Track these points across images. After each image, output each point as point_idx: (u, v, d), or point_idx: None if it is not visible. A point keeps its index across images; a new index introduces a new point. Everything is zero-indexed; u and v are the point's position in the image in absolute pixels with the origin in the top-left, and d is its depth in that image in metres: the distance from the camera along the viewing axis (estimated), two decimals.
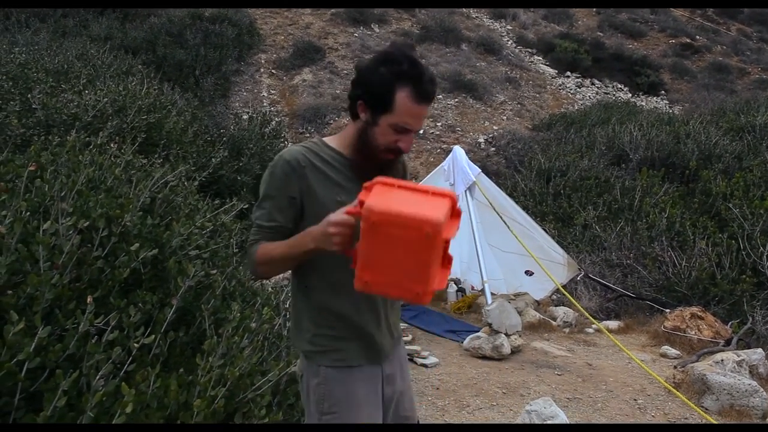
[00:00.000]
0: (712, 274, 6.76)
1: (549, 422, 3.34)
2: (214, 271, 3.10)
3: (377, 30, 21.58)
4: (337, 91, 17.52)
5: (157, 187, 3.64)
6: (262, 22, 20.30)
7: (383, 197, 1.44)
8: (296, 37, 20.00)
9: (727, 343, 5.46)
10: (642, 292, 7.07)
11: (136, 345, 2.17)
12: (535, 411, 3.41)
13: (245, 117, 10.45)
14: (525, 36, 24.51)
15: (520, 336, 5.52)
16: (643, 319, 6.51)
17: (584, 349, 5.71)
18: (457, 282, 7.62)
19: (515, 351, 5.39)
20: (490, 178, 7.39)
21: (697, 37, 27.29)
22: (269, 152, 9.17)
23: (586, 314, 5.54)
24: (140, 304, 2.44)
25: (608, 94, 21.70)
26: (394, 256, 1.43)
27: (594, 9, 27.24)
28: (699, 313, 5.85)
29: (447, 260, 1.52)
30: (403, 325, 5.80)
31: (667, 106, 21.26)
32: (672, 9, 28.80)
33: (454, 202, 1.49)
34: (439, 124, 16.60)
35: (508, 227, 6.21)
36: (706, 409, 4.16)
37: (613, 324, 6.39)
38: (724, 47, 27.01)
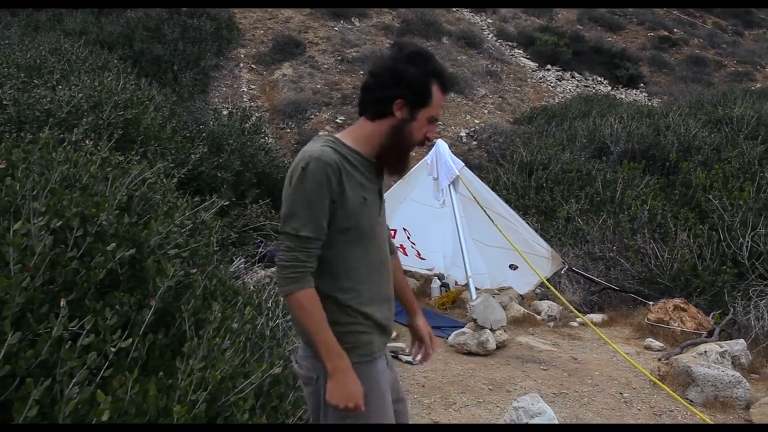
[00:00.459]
0: (694, 266, 6.81)
1: (537, 418, 3.31)
2: (194, 271, 3.01)
3: (357, 24, 21.46)
4: (318, 86, 17.39)
5: (135, 184, 3.54)
6: (241, 17, 20.08)
7: None
8: (276, 31, 19.82)
9: (710, 334, 5.49)
10: (625, 284, 7.11)
11: (112, 349, 2.09)
12: (522, 407, 3.38)
13: (225, 113, 10.30)
14: (505, 29, 24.56)
15: (505, 331, 5.50)
16: (626, 311, 6.53)
17: (569, 343, 5.71)
18: (440, 277, 7.59)
19: (500, 346, 5.36)
20: (473, 172, 7.35)
21: (675, 30, 27.57)
22: (249, 148, 9.05)
23: (571, 308, 5.53)
24: (117, 306, 2.35)
25: (588, 87, 21.84)
26: None
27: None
28: (682, 305, 5.88)
29: None
30: None
31: (646, 99, 21.46)
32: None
33: None
34: None
35: (492, 221, 6.17)
36: (691, 401, 4.18)
37: (597, 317, 6.41)
38: (701, 40, 27.32)
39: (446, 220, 6.74)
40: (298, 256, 1.70)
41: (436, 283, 7.38)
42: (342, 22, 21.21)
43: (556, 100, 19.64)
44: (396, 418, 1.93)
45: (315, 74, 18.05)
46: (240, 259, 5.49)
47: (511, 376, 4.67)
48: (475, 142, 16.12)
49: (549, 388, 4.43)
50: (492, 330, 5.33)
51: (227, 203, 6.13)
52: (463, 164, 6.52)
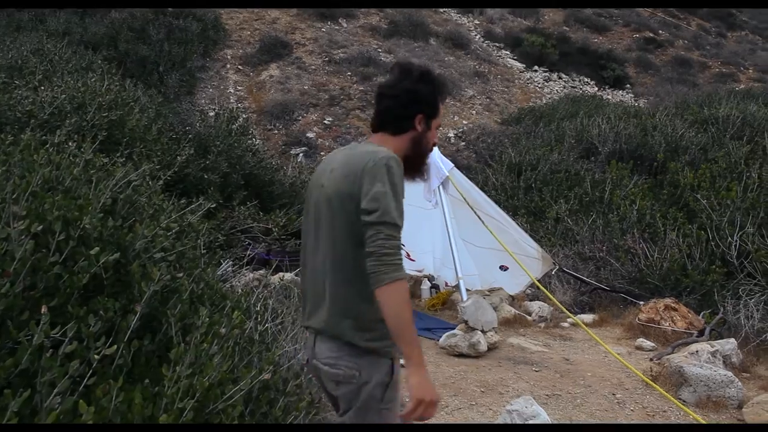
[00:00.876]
0: (683, 265, 6.82)
1: (531, 421, 3.27)
2: (181, 274, 2.94)
3: (345, 25, 21.40)
4: (305, 87, 17.31)
5: (120, 187, 3.46)
6: (227, 17, 19.94)
7: None
8: (263, 32, 19.71)
9: (701, 333, 5.49)
10: (615, 284, 7.10)
11: (96, 356, 2.01)
12: (516, 410, 3.34)
13: (212, 114, 10.19)
14: (492, 31, 24.62)
15: (496, 332, 5.46)
16: (617, 311, 6.53)
17: (560, 344, 5.69)
18: (430, 278, 7.55)
19: (492, 348, 5.33)
20: (462, 172, 7.32)
21: (660, 31, 27.80)
22: (236, 149, 8.93)
23: (563, 308, 5.51)
24: (101, 312, 2.28)
25: (575, 87, 21.94)
26: None
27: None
28: (672, 305, 5.88)
29: None
30: None
31: (633, 100, 21.59)
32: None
33: None
34: None
35: (483, 222, 6.14)
36: (684, 401, 4.16)
37: (588, 317, 6.40)
38: (686, 42, 27.57)
39: (436, 222, 6.70)
40: (397, 245, 1.77)
41: (426, 285, 7.33)
42: (329, 23, 21.14)
43: (544, 101, 19.71)
44: None
45: (302, 75, 17.97)
46: (228, 262, 5.41)
47: (503, 377, 4.63)
48: (463, 143, 16.12)
49: (541, 389, 4.40)
50: (483, 331, 5.29)
51: (214, 205, 6.05)
52: (453, 165, 6.48)
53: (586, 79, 22.96)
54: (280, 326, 3.60)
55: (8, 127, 4.83)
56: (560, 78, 22.51)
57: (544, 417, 3.34)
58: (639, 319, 5.91)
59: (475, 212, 6.23)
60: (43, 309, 1.94)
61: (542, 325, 6.37)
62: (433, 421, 3.84)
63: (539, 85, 21.49)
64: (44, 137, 4.26)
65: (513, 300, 6.98)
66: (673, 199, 8.83)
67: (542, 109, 17.52)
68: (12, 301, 2.01)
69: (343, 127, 16.05)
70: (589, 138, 11.86)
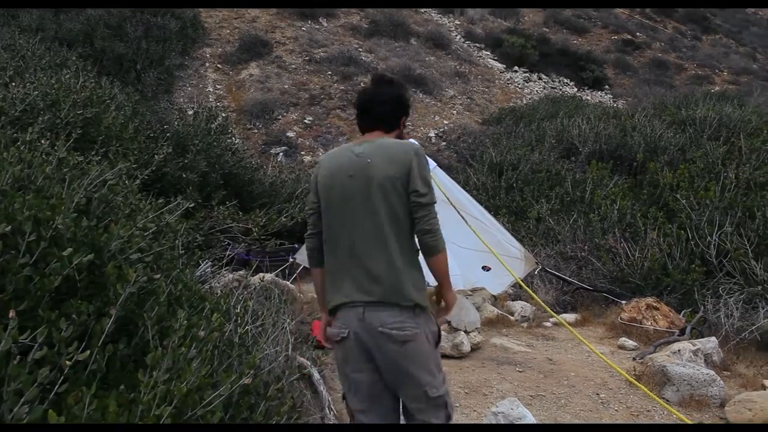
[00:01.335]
0: (664, 265, 6.86)
1: (516, 423, 3.23)
2: (158, 276, 2.84)
3: (325, 24, 21.30)
4: (286, 86, 17.18)
5: (95, 186, 3.35)
6: (206, 15, 19.72)
7: None
8: (242, 30, 19.52)
9: (682, 332, 5.52)
10: (597, 284, 7.12)
11: (68, 362, 1.92)
12: (501, 413, 3.30)
13: (190, 113, 10.03)
14: (473, 31, 24.69)
15: (479, 333, 5.43)
16: (599, 311, 6.54)
17: (543, 344, 5.67)
18: None
19: (475, 348, 5.29)
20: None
21: (638, 33, 28.12)
22: (216, 148, 8.80)
23: (546, 308, 5.49)
24: (74, 316, 2.18)
25: (555, 88, 22.09)
26: None
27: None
28: (654, 304, 5.90)
29: None
30: None
31: (611, 100, 21.80)
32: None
33: None
34: None
35: (467, 222, 6.10)
36: (668, 400, 4.16)
37: (570, 317, 6.39)
38: (662, 44, 27.92)
39: None
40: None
41: None
42: (309, 22, 21.02)
43: (524, 101, 19.81)
44: None
45: (282, 74, 17.83)
46: (207, 263, 5.30)
47: (487, 378, 4.59)
48: (444, 143, 16.12)
49: (525, 390, 4.37)
50: (466, 332, 5.25)
51: (193, 205, 5.93)
52: (435, 165, 6.44)
53: (565, 80, 23.13)
54: (260, 328, 3.52)
55: None
56: (540, 78, 22.65)
57: (529, 418, 3.31)
58: (621, 319, 5.92)
59: (459, 212, 6.19)
60: (12, 313, 1.84)
61: (525, 324, 6.35)
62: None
63: (519, 86, 21.59)
64: (15, 135, 4.13)
65: (495, 300, 6.95)
66: (652, 199, 8.89)
67: (522, 110, 17.60)
68: None
69: (324, 127, 15.95)
70: (570, 138, 11.92)
